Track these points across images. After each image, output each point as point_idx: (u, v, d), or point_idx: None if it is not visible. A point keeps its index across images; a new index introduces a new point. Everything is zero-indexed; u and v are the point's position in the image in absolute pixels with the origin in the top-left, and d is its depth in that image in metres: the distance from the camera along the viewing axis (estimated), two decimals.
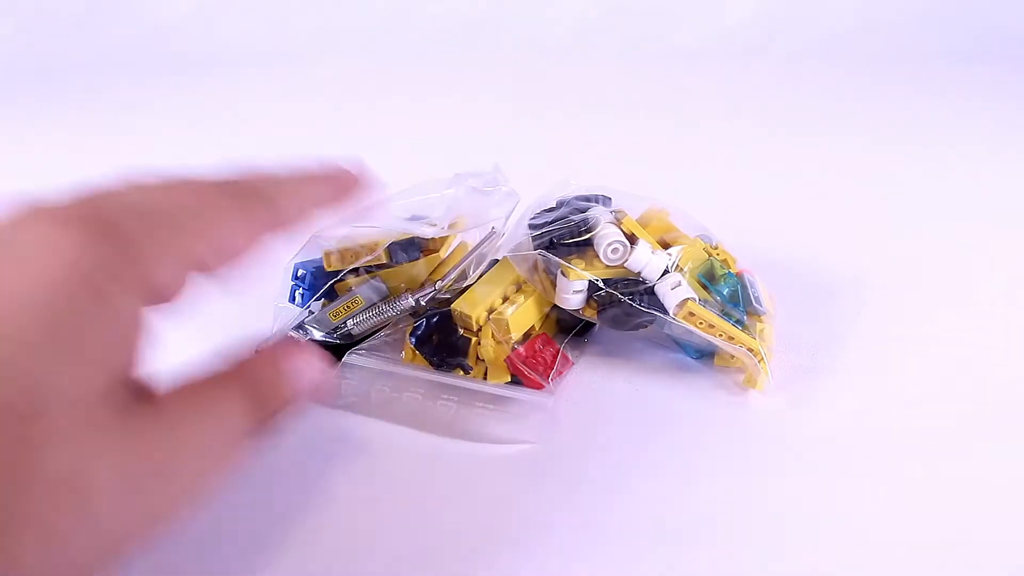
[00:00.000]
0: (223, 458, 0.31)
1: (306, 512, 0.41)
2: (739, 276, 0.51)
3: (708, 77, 1.38)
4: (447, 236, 0.54)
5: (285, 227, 0.35)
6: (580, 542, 0.38)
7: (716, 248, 0.52)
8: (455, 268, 0.50)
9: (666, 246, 0.50)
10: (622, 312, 0.47)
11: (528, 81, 1.37)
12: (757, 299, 0.50)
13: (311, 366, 0.35)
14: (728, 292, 0.50)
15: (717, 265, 0.51)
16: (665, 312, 0.47)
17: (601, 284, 0.48)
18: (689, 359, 0.52)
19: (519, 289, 0.51)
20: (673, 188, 0.81)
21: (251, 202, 0.35)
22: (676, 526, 0.39)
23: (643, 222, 0.52)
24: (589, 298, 0.49)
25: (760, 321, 0.50)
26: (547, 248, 0.48)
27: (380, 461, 0.44)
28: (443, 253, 0.53)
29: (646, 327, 0.48)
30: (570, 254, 0.48)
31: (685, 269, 0.48)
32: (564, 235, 0.48)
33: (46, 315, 0.25)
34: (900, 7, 1.50)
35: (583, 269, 0.48)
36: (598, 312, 0.49)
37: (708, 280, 0.50)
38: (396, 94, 1.31)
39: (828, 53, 1.48)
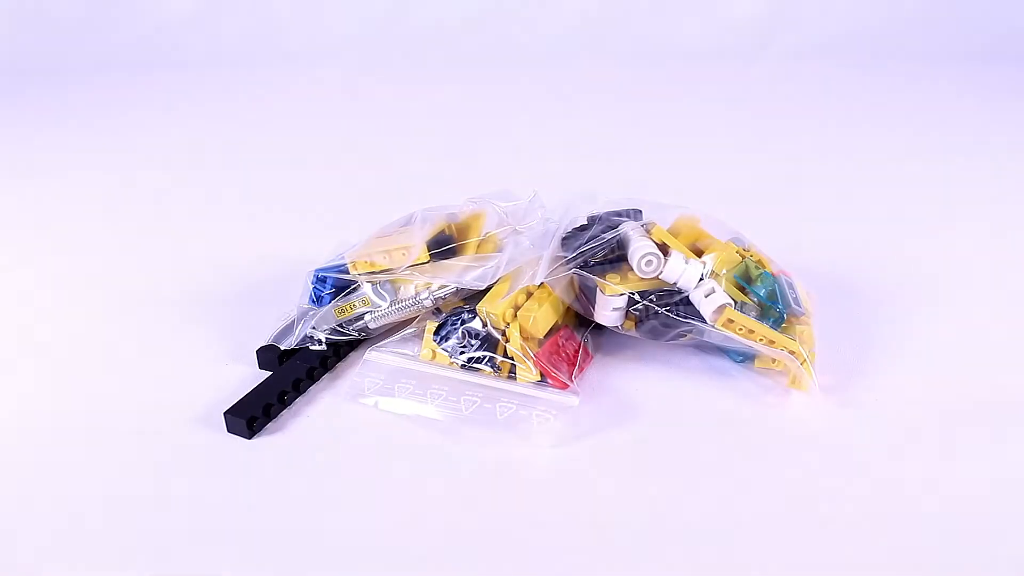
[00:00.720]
0: None
1: (312, 508, 0.41)
2: (776, 276, 0.51)
3: (710, 77, 1.37)
4: (475, 227, 0.55)
5: None
6: (621, 543, 0.39)
7: (749, 250, 0.52)
8: (476, 268, 0.51)
9: (699, 253, 0.50)
10: (660, 324, 0.48)
11: (529, 82, 1.37)
12: (796, 300, 0.50)
13: None
14: (765, 292, 0.50)
15: (752, 266, 0.51)
16: (703, 320, 0.47)
17: (637, 297, 0.48)
18: (730, 363, 0.52)
19: (541, 285, 0.51)
20: (692, 191, 0.82)
21: None
22: (724, 526, 0.40)
23: (674, 231, 0.52)
24: (627, 313, 0.49)
25: (800, 322, 0.50)
26: (582, 268, 0.48)
27: (398, 458, 0.45)
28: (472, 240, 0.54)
29: (685, 336, 0.49)
30: (605, 271, 0.49)
31: (721, 274, 0.49)
32: (597, 254, 0.48)
33: None
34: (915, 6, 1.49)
35: (618, 284, 0.48)
36: (636, 325, 0.49)
37: (744, 281, 0.50)
38: (395, 94, 1.32)
39: (843, 51, 1.47)
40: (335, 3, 1.58)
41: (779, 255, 0.54)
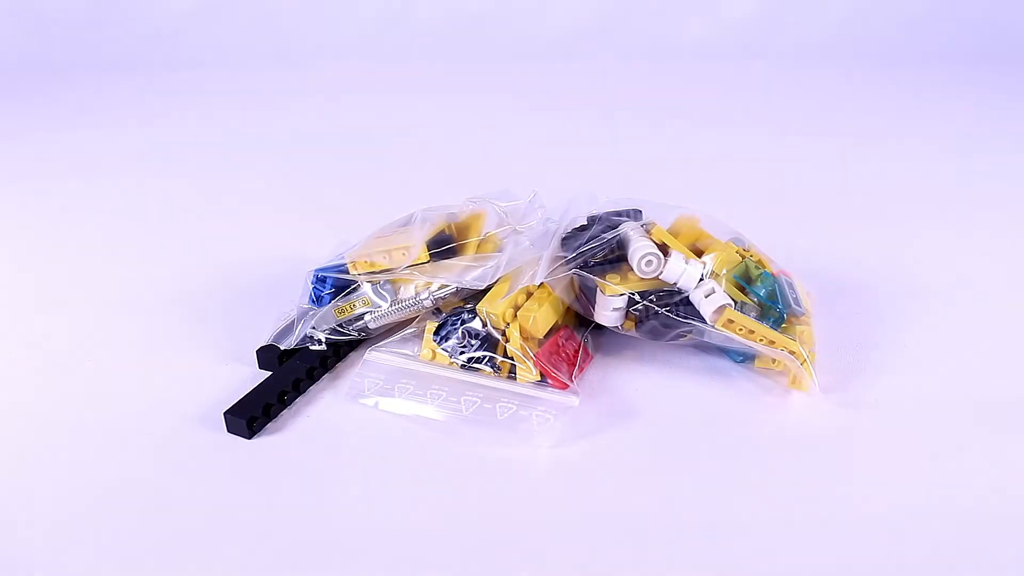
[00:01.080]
0: None
1: (312, 508, 0.41)
2: (776, 276, 0.51)
3: (711, 76, 1.37)
4: (474, 227, 0.55)
5: None
6: (622, 543, 0.39)
7: (748, 250, 0.52)
8: (476, 268, 0.51)
9: (699, 253, 0.50)
10: (660, 324, 0.48)
11: (529, 81, 1.37)
12: (796, 301, 0.50)
13: None
14: (765, 292, 0.50)
15: (752, 266, 0.51)
16: (703, 321, 0.47)
17: (638, 297, 0.48)
18: (730, 363, 0.52)
19: (541, 285, 0.51)
20: (692, 191, 0.82)
21: None
22: (724, 526, 0.40)
23: (674, 231, 0.52)
24: (627, 313, 0.49)
25: (800, 323, 0.50)
26: (582, 268, 0.48)
27: (399, 458, 0.44)
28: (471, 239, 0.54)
29: (685, 337, 0.49)
30: (605, 271, 0.49)
31: (721, 274, 0.49)
32: (597, 254, 0.48)
33: None
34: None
35: (618, 284, 0.48)
36: (636, 325, 0.49)
37: (744, 281, 0.50)
38: (396, 93, 1.32)
39: (838, 51, 1.47)
40: (336, 2, 1.58)
41: (779, 255, 0.54)
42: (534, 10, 1.56)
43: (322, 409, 0.49)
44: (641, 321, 0.49)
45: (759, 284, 0.50)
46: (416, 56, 1.50)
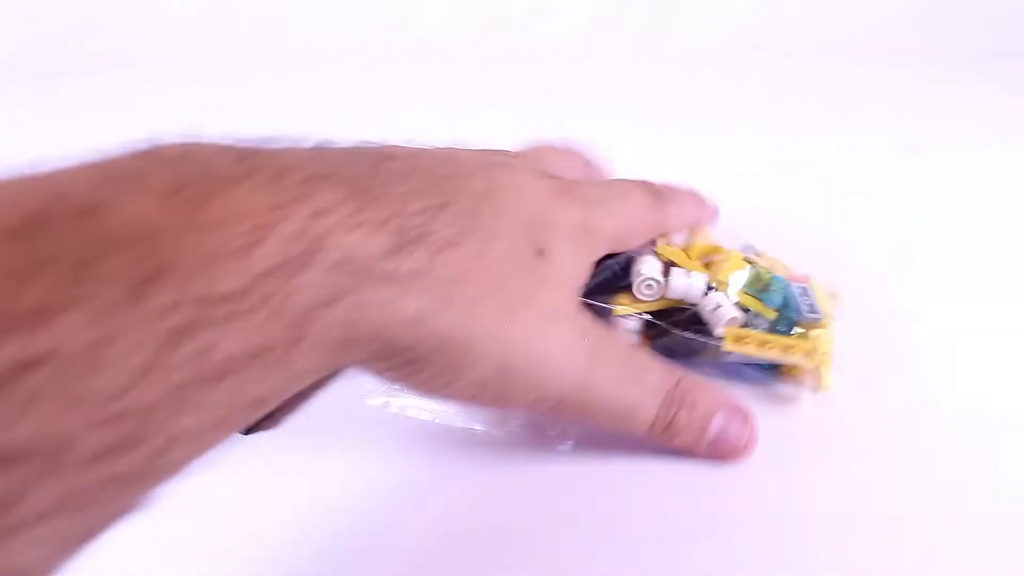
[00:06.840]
0: None
1: (312, 509, 0.42)
2: (787, 281, 0.50)
3: (711, 76, 1.36)
4: None
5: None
6: (624, 543, 0.38)
7: (761, 256, 0.52)
8: None
9: (710, 266, 0.50)
10: (672, 342, 0.48)
11: (529, 82, 1.36)
12: (811, 307, 0.49)
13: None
14: (780, 298, 0.49)
15: (762, 271, 0.50)
16: (712, 336, 0.47)
17: (648, 318, 0.48)
18: (759, 372, 0.51)
19: None
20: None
21: (660, 200, 0.45)
22: (726, 528, 0.40)
23: (687, 244, 0.52)
24: (644, 333, 0.49)
25: (818, 326, 0.49)
26: (590, 294, 0.47)
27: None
28: None
29: (704, 353, 0.48)
30: (615, 292, 0.48)
31: (727, 283, 0.48)
32: (603, 283, 0.48)
33: None
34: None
35: (630, 304, 0.48)
36: (651, 344, 0.49)
37: (757, 289, 0.49)
38: (396, 95, 1.31)
39: (844, 50, 1.46)
40: (334, 3, 1.57)
41: (789, 257, 0.54)
42: (530, 11, 1.55)
43: (324, 408, 0.48)
44: (655, 339, 0.49)
45: (772, 290, 0.49)
46: (417, 55, 1.48)
